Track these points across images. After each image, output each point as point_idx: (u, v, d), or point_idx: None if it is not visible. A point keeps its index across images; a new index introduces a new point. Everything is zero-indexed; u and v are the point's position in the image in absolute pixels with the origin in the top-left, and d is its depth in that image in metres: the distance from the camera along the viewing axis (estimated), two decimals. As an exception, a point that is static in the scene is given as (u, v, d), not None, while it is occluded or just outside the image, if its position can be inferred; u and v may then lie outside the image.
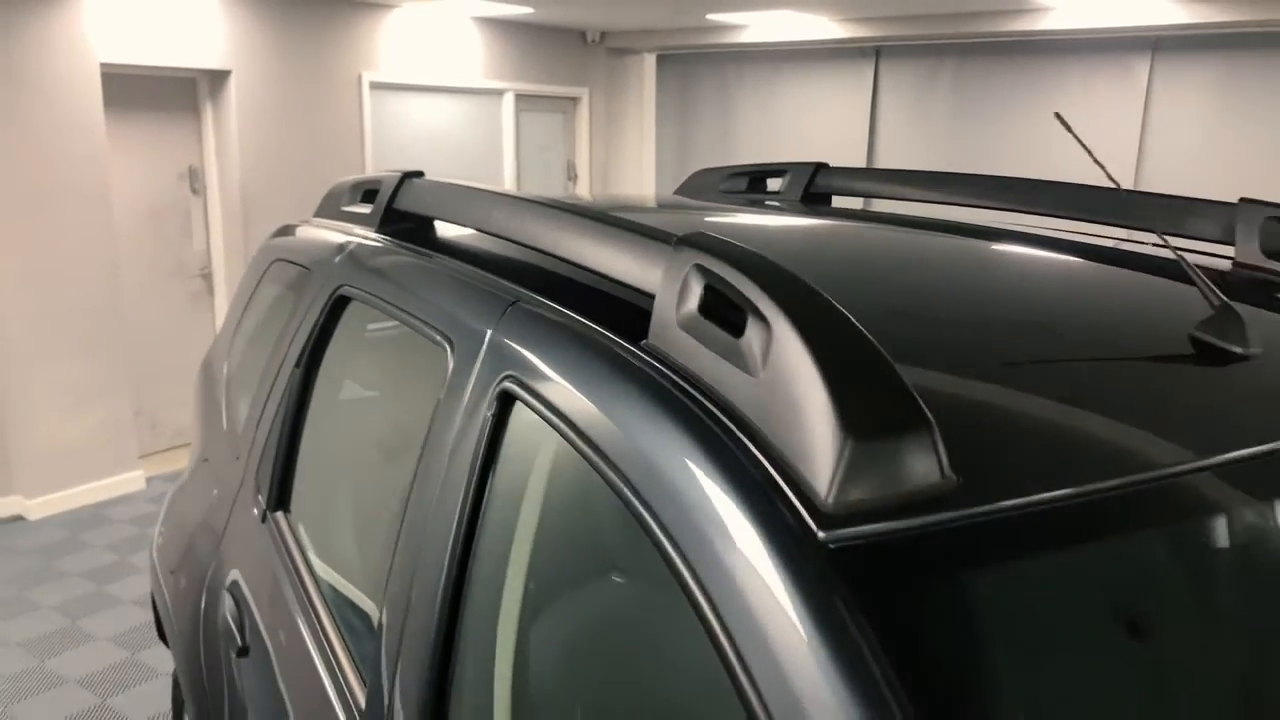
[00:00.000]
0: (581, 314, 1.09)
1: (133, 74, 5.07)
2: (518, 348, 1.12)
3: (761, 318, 0.84)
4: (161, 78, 5.24)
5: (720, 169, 2.51)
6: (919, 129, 6.79)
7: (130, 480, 5.02)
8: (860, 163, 7.01)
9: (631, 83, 7.88)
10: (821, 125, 7.15)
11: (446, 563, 1.12)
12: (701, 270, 0.93)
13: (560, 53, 7.39)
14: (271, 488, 1.74)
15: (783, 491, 0.78)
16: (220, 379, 2.28)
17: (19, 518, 4.69)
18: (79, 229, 4.68)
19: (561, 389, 1.02)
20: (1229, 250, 1.53)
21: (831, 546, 0.74)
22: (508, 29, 6.90)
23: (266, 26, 5.43)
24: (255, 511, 1.79)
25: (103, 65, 4.77)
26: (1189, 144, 5.93)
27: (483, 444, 1.12)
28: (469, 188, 1.49)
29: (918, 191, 2.00)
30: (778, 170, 2.39)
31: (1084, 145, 1.34)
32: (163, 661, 3.47)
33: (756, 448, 0.82)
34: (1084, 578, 0.82)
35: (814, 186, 2.28)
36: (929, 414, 0.79)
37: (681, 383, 0.91)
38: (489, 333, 1.19)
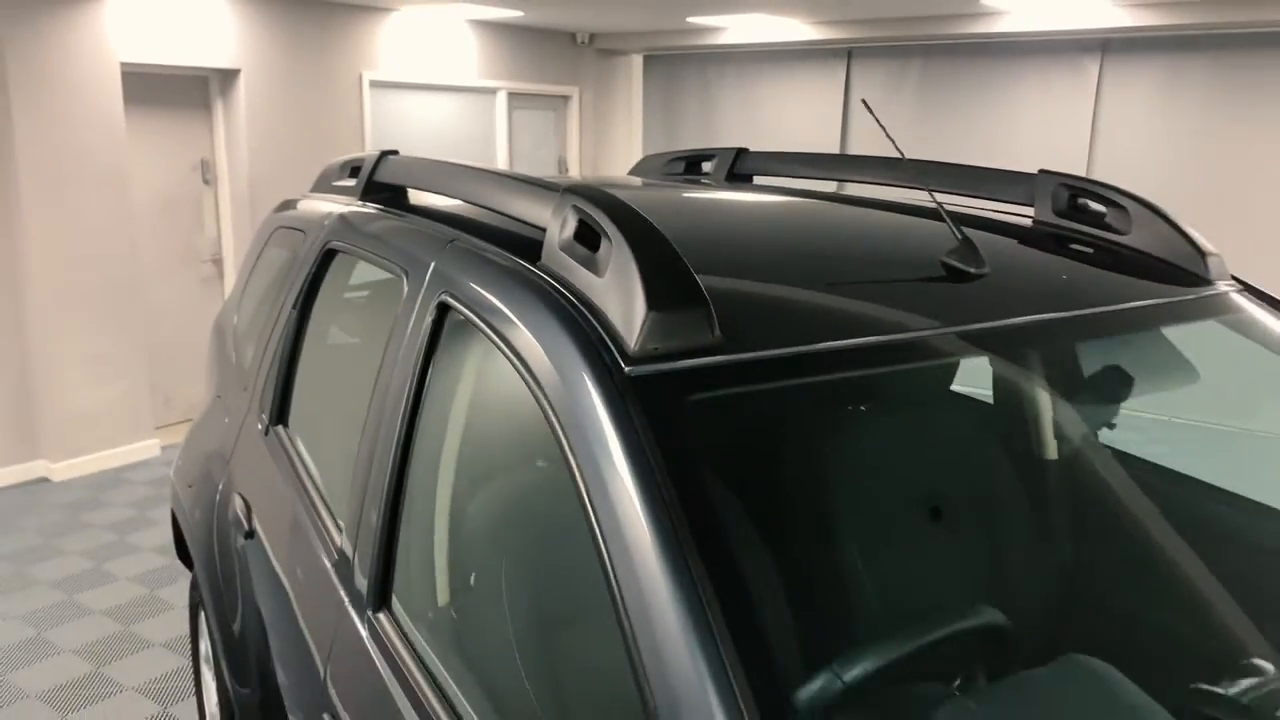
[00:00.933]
0: (498, 245, 1.50)
1: (150, 73, 5.49)
2: (452, 272, 1.52)
3: (609, 238, 1.24)
4: (176, 76, 5.66)
5: (665, 154, 2.91)
6: (888, 124, 7.18)
7: (146, 448, 5.44)
8: (834, 146, 7.39)
9: (620, 82, 8.28)
10: (798, 122, 7.54)
11: (397, 434, 1.52)
12: (576, 209, 1.33)
13: (551, 53, 7.79)
14: (272, 407, 2.15)
15: (608, 346, 1.18)
16: (230, 329, 2.69)
17: (44, 480, 5.11)
18: (100, 216, 5.10)
19: (481, 295, 1.42)
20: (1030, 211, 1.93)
21: (632, 376, 1.14)
22: (501, 30, 7.31)
23: (273, 28, 5.84)
24: (259, 428, 2.20)
25: (123, 65, 5.19)
26: (1136, 138, 6.31)
27: (425, 340, 1.52)
28: (427, 160, 1.90)
29: (812, 170, 2.40)
30: (709, 155, 2.79)
31: (883, 128, 1.74)
32: (179, 596, 3.88)
33: (597, 321, 1.21)
34: (809, 406, 1.22)
35: (737, 168, 2.68)
36: (708, 298, 1.19)
37: (558, 285, 1.31)
38: (433, 263, 1.59)
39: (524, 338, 1.26)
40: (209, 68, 5.65)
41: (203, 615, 2.61)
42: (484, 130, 7.44)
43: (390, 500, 1.51)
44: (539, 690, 1.27)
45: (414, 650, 1.39)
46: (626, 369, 1.15)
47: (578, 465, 1.11)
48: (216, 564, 2.27)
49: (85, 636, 3.58)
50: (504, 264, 1.42)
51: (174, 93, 5.69)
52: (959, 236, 1.49)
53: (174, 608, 3.79)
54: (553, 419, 1.17)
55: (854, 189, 2.36)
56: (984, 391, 1.78)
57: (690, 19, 6.78)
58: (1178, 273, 1.68)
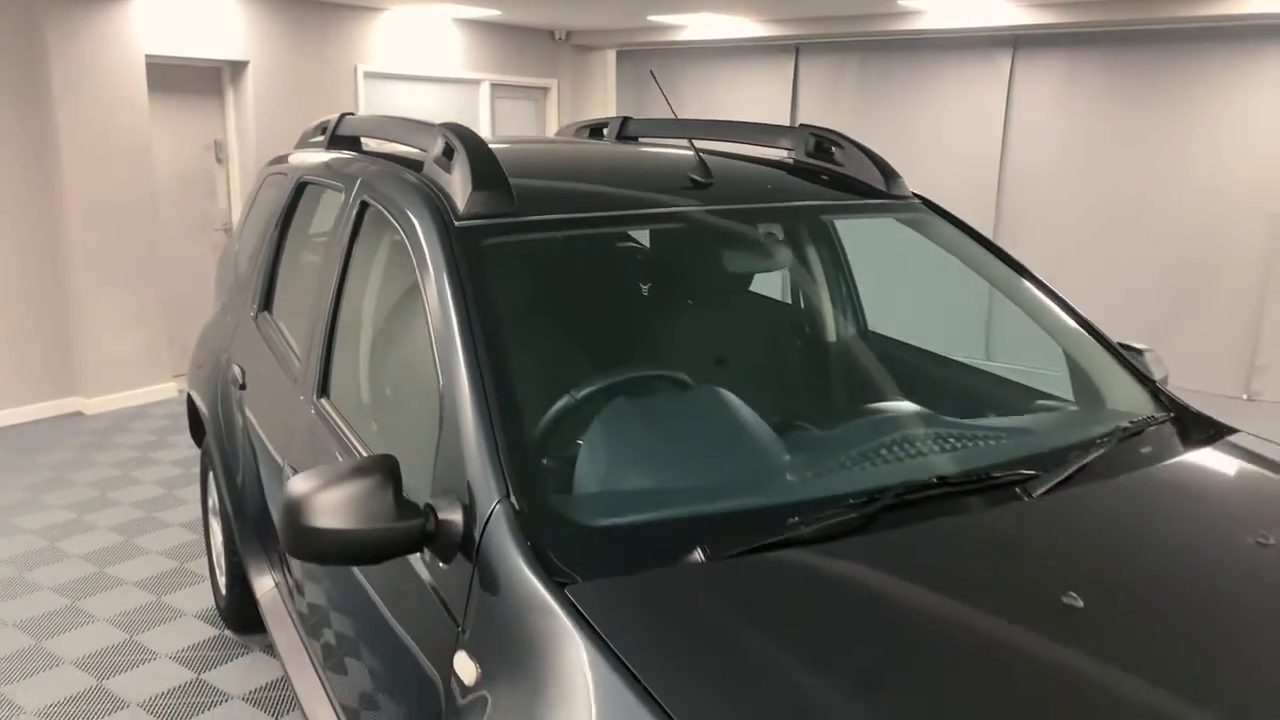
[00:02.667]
0: (399, 164, 2.30)
1: (170, 63, 6.31)
2: (372, 182, 2.32)
3: (458, 151, 2.04)
4: (193, 67, 6.49)
5: (579, 122, 3.71)
6: (831, 112, 7.96)
7: (164, 390, 6.27)
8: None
9: (595, 75, 9.08)
10: (752, 111, 8.31)
11: (335, 285, 2.32)
12: (443, 135, 2.13)
13: (531, 48, 8.60)
14: (260, 298, 2.96)
15: (449, 213, 1.97)
16: (232, 254, 3.51)
17: (79, 413, 5.95)
18: (127, 188, 5.92)
19: (386, 194, 2.21)
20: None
21: (458, 227, 1.93)
22: (484, 28, 8.12)
23: (278, 24, 6.67)
24: (250, 315, 3.01)
25: (147, 56, 6.01)
26: (1044, 122, 7.08)
27: (352, 225, 2.32)
28: (368, 116, 2.70)
29: (665, 131, 3.18)
30: (606, 123, 3.58)
31: (667, 99, 2.53)
32: (190, 494, 4.69)
33: (445, 200, 2.01)
34: (565, 248, 2.02)
35: (625, 131, 3.47)
36: (511, 185, 1.98)
37: (427, 182, 2.10)
38: (360, 178, 2.39)
39: (405, 214, 2.06)
40: (221, 59, 6.47)
41: (210, 475, 3.42)
42: (469, 119, 8.24)
43: (328, 329, 2.32)
44: (400, 434, 2.05)
45: (337, 414, 2.20)
46: (456, 224, 1.94)
47: (423, 284, 1.90)
48: (220, 420, 3.09)
49: (117, 520, 4.40)
50: (400, 174, 2.22)
51: (191, 81, 6.52)
52: (699, 162, 2.29)
53: (186, 502, 4.61)
54: (415, 259, 1.96)
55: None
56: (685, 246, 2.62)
57: (650, 17, 7.57)
58: (872, 189, 2.46)
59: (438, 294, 1.80)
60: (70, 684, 3.11)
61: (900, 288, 2.80)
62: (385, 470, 1.50)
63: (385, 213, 2.16)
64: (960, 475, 1.69)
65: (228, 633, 3.44)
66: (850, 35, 7.48)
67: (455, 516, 1.51)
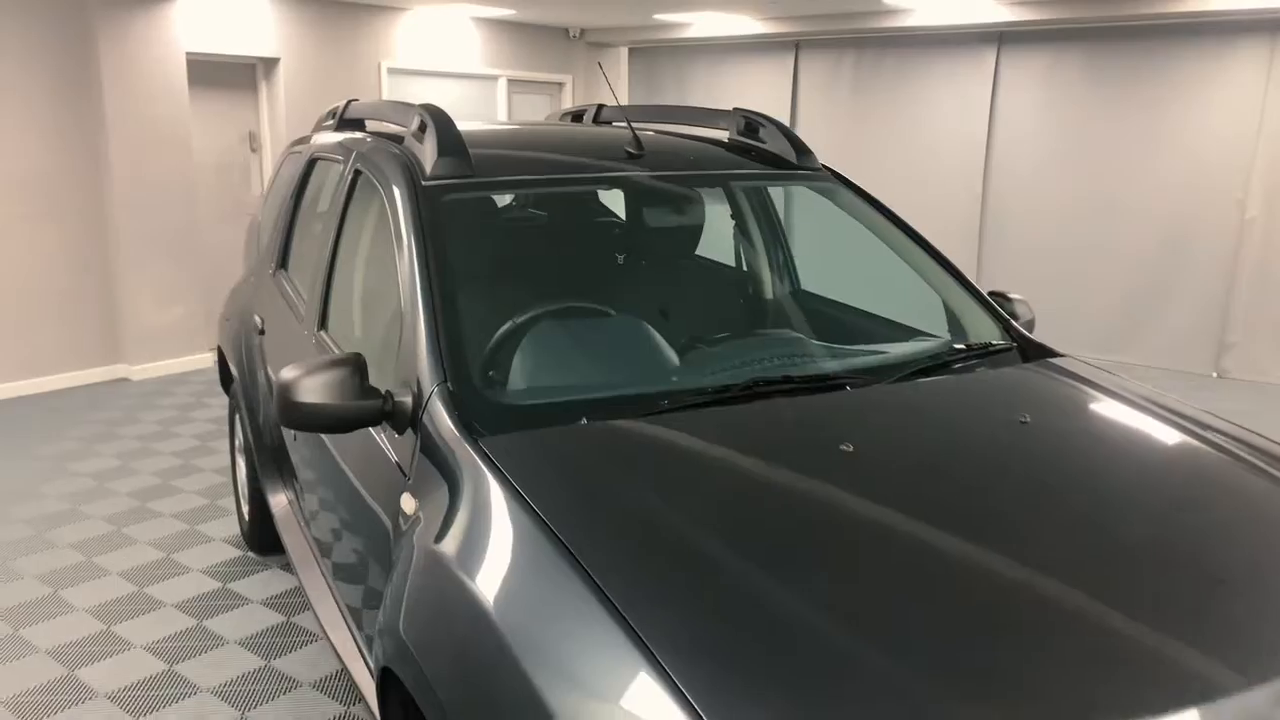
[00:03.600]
0: (387, 140, 2.77)
1: (209, 60, 6.87)
2: (364, 154, 2.80)
3: (429, 126, 2.51)
4: (229, 63, 7.04)
5: (565, 109, 4.17)
6: (829, 105, 8.37)
7: (202, 360, 6.83)
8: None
9: (608, 72, 9.54)
10: (755, 103, 8.73)
11: (333, 237, 2.81)
12: (419, 114, 2.60)
13: (547, 46, 9.09)
14: (278, 258, 3.46)
15: (419, 175, 2.44)
16: (257, 224, 4.02)
17: (125, 379, 6.52)
18: (168, 174, 6.49)
19: (372, 164, 2.69)
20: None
21: (424, 186, 2.40)
22: (502, 26, 8.62)
23: (308, 24, 7.20)
24: (270, 273, 3.51)
25: (187, 53, 6.57)
26: (1027, 114, 7.44)
27: (347, 190, 2.80)
28: (369, 101, 3.18)
29: (625, 115, 3.64)
30: (584, 110, 4.05)
31: (610, 86, 2.99)
32: (223, 446, 5.23)
33: (416, 167, 2.48)
34: (515, 207, 2.50)
35: (600, 116, 3.93)
36: (470, 155, 2.46)
37: (405, 152, 2.58)
38: (355, 151, 2.87)
39: (386, 178, 2.54)
40: (255, 56, 7.02)
41: (236, 416, 3.93)
42: (487, 113, 8.74)
43: (327, 274, 2.80)
44: (374, 345, 2.51)
45: (332, 342, 2.68)
46: (423, 184, 2.41)
47: (395, 232, 2.37)
48: (244, 365, 3.59)
49: (157, 466, 4.94)
50: (386, 147, 2.70)
51: (227, 76, 7.08)
52: (634, 137, 2.74)
53: (217, 452, 5.14)
54: (390, 213, 2.44)
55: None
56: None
57: (656, 15, 8.03)
58: (787, 162, 2.90)
59: (406, 238, 2.28)
60: (115, 589, 3.64)
61: (815, 245, 3.25)
62: (355, 363, 1.97)
63: (372, 178, 2.64)
64: (802, 376, 2.14)
65: (250, 554, 3.95)
66: (845, 33, 7.89)
67: (407, 399, 1.98)
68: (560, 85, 9.37)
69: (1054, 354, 2.48)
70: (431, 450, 1.88)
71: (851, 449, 1.80)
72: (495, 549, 1.58)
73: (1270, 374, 6.70)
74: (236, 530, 4.16)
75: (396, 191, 2.42)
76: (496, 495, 1.66)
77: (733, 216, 3.18)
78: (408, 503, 1.88)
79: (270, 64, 7.17)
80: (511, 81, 8.82)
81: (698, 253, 3.26)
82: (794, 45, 8.48)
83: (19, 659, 3.18)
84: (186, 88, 6.50)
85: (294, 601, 3.58)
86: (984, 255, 7.78)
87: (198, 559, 3.90)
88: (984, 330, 2.58)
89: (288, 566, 3.78)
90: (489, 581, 1.54)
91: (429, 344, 2.01)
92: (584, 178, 2.64)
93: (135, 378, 6.52)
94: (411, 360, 2.05)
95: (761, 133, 3.02)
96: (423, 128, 2.55)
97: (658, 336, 2.33)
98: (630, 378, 2.19)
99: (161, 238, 6.52)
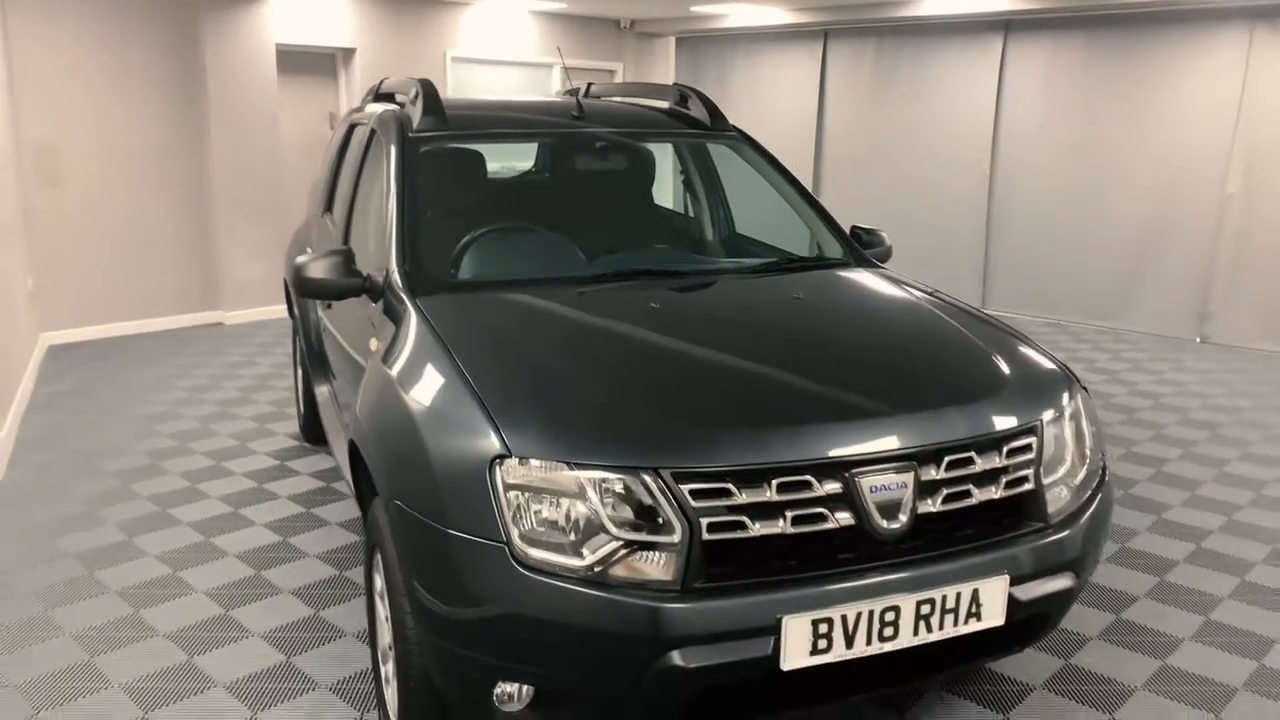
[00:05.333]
0: (395, 107, 3.68)
1: (295, 50, 7.94)
2: (380, 117, 3.70)
3: (420, 95, 3.41)
4: (313, 53, 8.11)
5: (567, 87, 5.04)
6: (853, 90, 9.04)
7: (283, 310, 7.92)
8: (813, 113, 9.31)
9: (657, 60, 10.37)
10: (787, 88, 9.46)
11: (355, 179, 3.73)
12: (415, 87, 3.50)
13: (598, 36, 9.96)
14: (323, 203, 4.42)
15: (409, 130, 3.33)
16: (313, 185, 4.99)
17: (220, 324, 7.66)
18: (259, 148, 7.58)
19: (382, 123, 3.59)
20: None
21: (410, 138, 3.29)
22: (557, 18, 9.52)
23: (381, 18, 8.23)
24: (319, 215, 4.48)
25: (277, 45, 7.64)
26: (1032, 99, 7.99)
27: (364, 146, 3.72)
28: (395, 79, 4.10)
29: (612, 90, 4.46)
30: (577, 89, 4.90)
31: (565, 70, 3.83)
32: (291, 379, 6.26)
33: (407, 123, 3.37)
34: (477, 153, 3.39)
35: (589, 93, 4.77)
36: (447, 115, 3.34)
37: (403, 115, 3.47)
38: (374, 116, 3.78)
39: (388, 133, 3.43)
40: (335, 47, 8.07)
41: (295, 334, 4.91)
42: (542, 97, 9.66)
43: (348, 207, 3.73)
44: (367, 247, 3.41)
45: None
46: (409, 136, 3.30)
47: (387, 170, 3.26)
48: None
49: (239, 385, 6.00)
50: (393, 111, 3.60)
51: (311, 64, 8.15)
52: (578, 104, 3.58)
53: (288, 378, 6.18)
54: (385, 158, 3.32)
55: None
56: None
57: (693, 8, 8.82)
58: (704, 125, 3.70)
59: (392, 175, 3.18)
60: (200, 463, 4.66)
61: (727, 188, 4.07)
62: (345, 254, 2.88)
63: (381, 135, 3.55)
64: (659, 270, 2.99)
65: (305, 443, 4.94)
66: (868, 22, 8.54)
67: (380, 278, 2.88)
68: (611, 73, 10.23)
69: (872, 264, 3.26)
70: (389, 308, 2.77)
71: (658, 305, 2.64)
72: (410, 354, 2.46)
73: (1248, 340, 7.16)
74: (295, 428, 5.16)
75: (392, 143, 3.32)
76: (418, 326, 2.54)
77: (687, 168, 4.08)
78: (373, 344, 2.77)
79: (348, 53, 8.21)
80: (565, 69, 9.70)
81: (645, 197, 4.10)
82: (823, 34, 9.15)
83: (137, 513, 4.22)
84: (275, 74, 7.58)
85: (335, 475, 4.54)
86: (991, 228, 8.35)
87: (263, 446, 4.91)
88: (831, 250, 3.36)
89: (332, 453, 4.76)
90: (402, 372, 2.42)
91: (396, 242, 2.91)
92: (529, 133, 3.52)
93: (228, 322, 7.65)
94: (384, 252, 2.95)
95: (689, 103, 3.83)
96: (415, 96, 3.45)
97: (565, 245, 3.19)
98: (530, 270, 3.06)
99: (252, 202, 7.62)
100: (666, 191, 4.61)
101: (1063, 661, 3.00)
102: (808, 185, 9.30)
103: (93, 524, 3.97)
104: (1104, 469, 2.50)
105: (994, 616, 2.13)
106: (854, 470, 2.06)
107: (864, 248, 3.43)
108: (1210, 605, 3.36)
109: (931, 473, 2.12)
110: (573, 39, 9.69)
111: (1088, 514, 2.34)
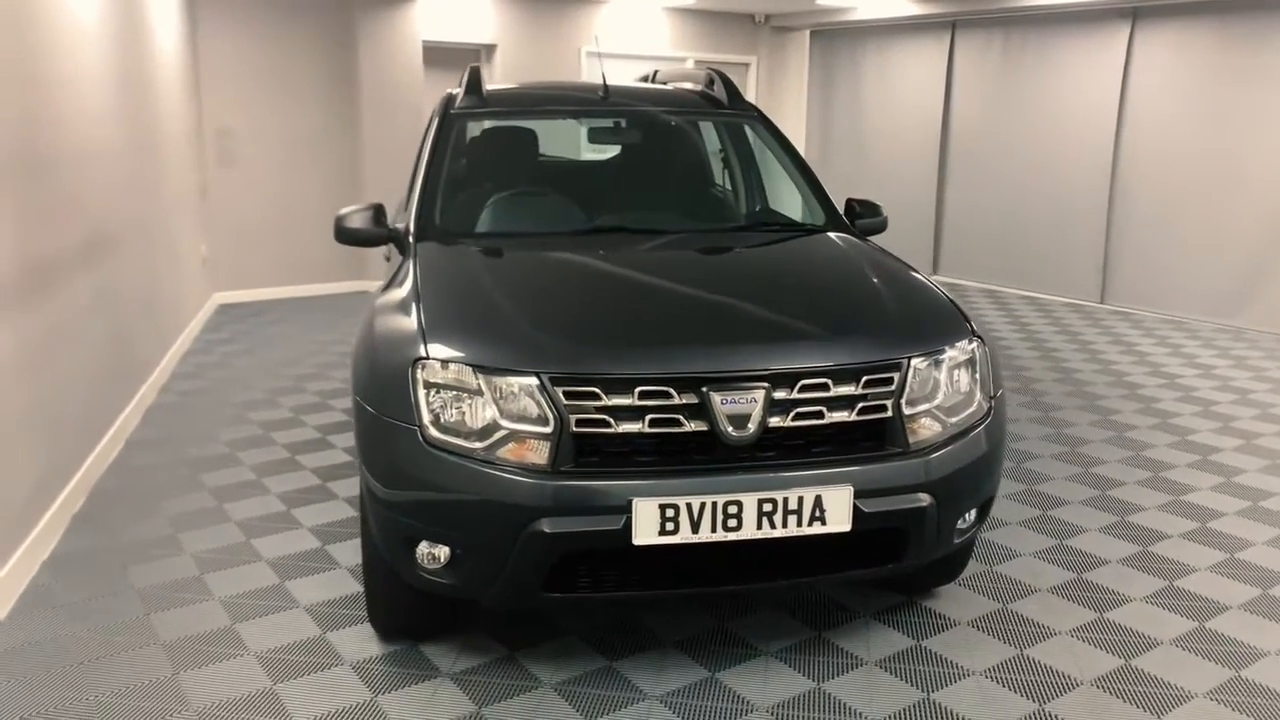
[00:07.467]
0: (450, 93, 4.24)
1: (440, 46, 8.75)
2: (444, 99, 4.27)
3: (467, 78, 3.96)
4: (457, 48, 8.90)
5: (642, 74, 5.48)
6: (980, 79, 9.00)
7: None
8: (939, 105, 9.32)
9: (791, 53, 10.61)
10: (916, 79, 9.50)
11: (417, 161, 4.33)
12: (465, 73, 4.05)
13: (733, 30, 10.31)
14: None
15: (454, 108, 3.87)
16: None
17: (365, 291, 8.57)
18: (406, 136, 8.37)
19: (442, 103, 4.14)
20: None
21: (450, 113, 3.84)
22: (692, 14, 9.95)
23: (521, 15, 8.92)
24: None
25: (424, 41, 8.46)
26: (1158, 88, 7.76)
27: (438, 118, 4.31)
28: (472, 65, 4.68)
29: (655, 78, 4.87)
30: (647, 76, 5.32)
31: (603, 69, 4.26)
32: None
33: (453, 101, 3.92)
34: (512, 125, 3.91)
35: (655, 79, 5.18)
36: (485, 94, 3.88)
37: (454, 95, 4.03)
38: (442, 98, 4.36)
39: (440, 109, 3.98)
40: (478, 43, 8.83)
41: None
42: (676, 88, 10.11)
43: (413, 173, 4.33)
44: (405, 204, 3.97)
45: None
46: (449, 112, 3.85)
47: (432, 138, 3.81)
48: (392, 248, 5.25)
49: (327, 355, 6.80)
50: (451, 94, 4.15)
51: (455, 59, 8.93)
52: (604, 86, 4.02)
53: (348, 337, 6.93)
54: (433, 129, 3.87)
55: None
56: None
57: (820, 1, 9.04)
58: (724, 105, 4.06)
59: (429, 143, 3.74)
60: (332, 418, 5.42)
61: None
62: (377, 208, 3.45)
63: (440, 113, 4.12)
64: (640, 229, 3.40)
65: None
66: (994, 11, 8.51)
67: (402, 228, 3.43)
68: (746, 66, 10.56)
69: (849, 230, 3.55)
70: (404, 252, 3.32)
71: (604, 252, 3.07)
72: (393, 285, 3.00)
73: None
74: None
75: (439, 117, 3.88)
76: (407, 265, 3.07)
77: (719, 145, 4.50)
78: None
79: (490, 49, 8.95)
80: (698, 63, 10.12)
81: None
82: (951, 25, 9.15)
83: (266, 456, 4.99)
84: (422, 68, 8.40)
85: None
86: (1112, 221, 8.14)
87: (365, 390, 5.64)
88: (817, 217, 3.66)
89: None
90: (384, 298, 2.95)
91: (417, 202, 3.47)
92: (554, 110, 4.01)
93: (373, 290, 8.54)
94: (407, 209, 3.51)
95: (714, 85, 4.20)
96: (462, 80, 4.00)
97: (565, 208, 3.65)
98: (520, 226, 3.56)
99: (398, 184, 8.47)
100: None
101: (1121, 660, 2.89)
102: (931, 176, 9.35)
103: (229, 463, 4.69)
104: (990, 410, 2.72)
105: (840, 523, 2.42)
106: (709, 386, 2.42)
107: (859, 219, 3.69)
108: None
109: (784, 394, 2.45)
110: (707, 33, 10.09)
111: (956, 445, 2.58)
